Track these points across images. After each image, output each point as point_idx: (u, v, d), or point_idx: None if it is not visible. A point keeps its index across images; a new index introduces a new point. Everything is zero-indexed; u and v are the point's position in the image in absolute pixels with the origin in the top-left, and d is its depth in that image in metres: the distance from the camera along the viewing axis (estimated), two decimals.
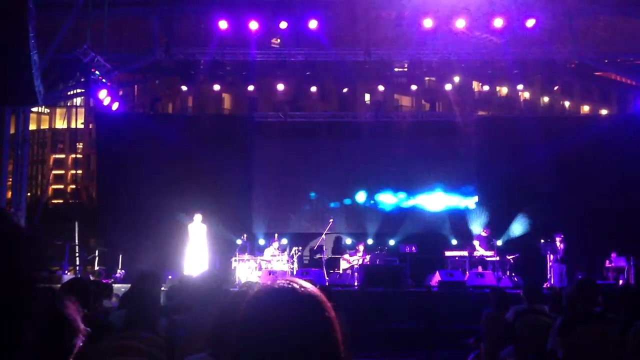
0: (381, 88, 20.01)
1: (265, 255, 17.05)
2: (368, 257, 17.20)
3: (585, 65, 19.29)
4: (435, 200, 20.31)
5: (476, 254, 17.00)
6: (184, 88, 19.55)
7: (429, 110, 24.52)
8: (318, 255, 18.17)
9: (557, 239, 16.67)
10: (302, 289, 1.64)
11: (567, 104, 49.81)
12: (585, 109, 49.10)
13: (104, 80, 17.13)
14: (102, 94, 17.49)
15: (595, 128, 19.72)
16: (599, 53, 18.32)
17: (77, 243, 17.87)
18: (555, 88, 20.01)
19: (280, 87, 19.83)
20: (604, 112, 43.36)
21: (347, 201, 20.38)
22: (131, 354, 3.99)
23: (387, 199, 20.41)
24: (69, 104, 60.41)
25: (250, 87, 20.03)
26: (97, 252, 18.16)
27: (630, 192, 18.67)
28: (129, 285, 9.08)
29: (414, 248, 17.47)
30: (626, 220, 18.13)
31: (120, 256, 17.50)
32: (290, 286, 1.63)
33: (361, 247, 17.52)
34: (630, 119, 20.04)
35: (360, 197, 20.39)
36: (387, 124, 20.59)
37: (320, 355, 1.55)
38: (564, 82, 22.88)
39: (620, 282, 15.82)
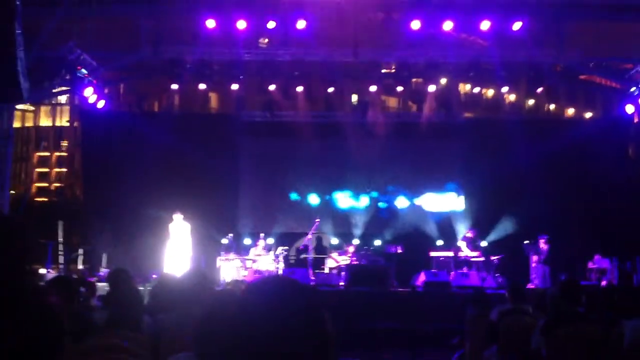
0: (373, 88, 20.01)
1: (250, 254, 17.04)
2: (354, 257, 17.23)
3: (570, 69, 19.43)
4: (421, 201, 20.35)
5: (461, 254, 17.07)
6: (175, 87, 19.45)
7: (416, 112, 24.54)
8: (304, 255, 18.17)
9: (541, 240, 16.77)
10: (295, 281, 1.65)
11: (552, 106, 50.07)
12: (570, 112, 49.36)
13: (89, 78, 17.07)
14: (88, 92, 17.42)
15: (580, 131, 19.86)
16: (584, 56, 18.47)
17: (60, 241, 17.74)
18: (539, 90, 20.08)
19: (268, 86, 19.79)
20: (588, 115, 43.58)
21: (334, 201, 20.38)
22: (115, 353, 3.98)
23: (373, 199, 20.43)
24: (53, 102, 59.97)
25: (235, 86, 19.97)
26: (81, 250, 18.05)
27: (613, 194, 18.83)
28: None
29: (399, 248, 17.52)
30: (609, 221, 18.29)
31: (105, 255, 17.40)
32: (283, 278, 1.64)
33: (351, 249, 17.54)
34: (614, 122, 20.22)
35: (347, 196, 20.39)
36: (374, 124, 20.59)
37: (314, 346, 1.56)
38: (549, 85, 23.00)
39: (603, 283, 15.95)
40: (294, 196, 20.32)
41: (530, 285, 15.93)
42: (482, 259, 16.78)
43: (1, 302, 1.94)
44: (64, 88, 18.74)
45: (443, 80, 19.79)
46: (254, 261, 16.80)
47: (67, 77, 16.86)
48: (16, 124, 40.21)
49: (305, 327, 1.57)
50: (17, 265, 2.01)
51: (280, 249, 17.29)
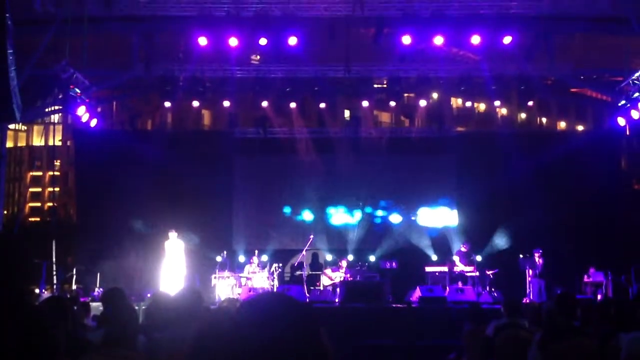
0: (365, 104, 20.08)
1: (245, 272, 16.98)
2: (349, 273, 17.19)
3: (561, 82, 19.55)
4: (415, 216, 20.35)
5: (456, 269, 17.06)
6: (167, 104, 19.44)
7: (408, 126, 24.67)
8: (298, 272, 18.12)
9: (536, 254, 16.79)
10: (289, 297, 1.65)
11: (544, 120, 50.39)
12: (562, 125, 49.66)
13: (82, 96, 17.06)
14: (81, 111, 17.39)
15: (572, 144, 19.92)
16: (574, 70, 18.59)
17: (54, 261, 17.64)
18: (530, 104, 20.17)
19: (260, 103, 19.84)
20: (580, 128, 43.86)
21: (328, 217, 20.36)
22: None
23: (367, 215, 20.42)
24: (46, 121, 59.92)
25: (227, 103, 19.99)
26: (74, 270, 17.96)
27: (607, 207, 18.88)
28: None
29: (394, 264, 17.51)
30: (603, 235, 18.32)
31: (99, 274, 17.31)
32: (277, 295, 1.64)
33: (344, 263, 17.51)
34: (605, 135, 20.29)
35: (340, 212, 20.38)
36: (367, 140, 20.65)
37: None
38: (540, 98, 23.16)
39: (599, 296, 15.94)
40: (287, 212, 20.31)
41: (525, 300, 15.90)
42: (477, 273, 16.77)
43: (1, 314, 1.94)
44: (56, 107, 18.74)
45: (435, 95, 19.84)
46: (248, 278, 16.75)
47: (60, 96, 16.85)
48: (9, 144, 40.14)
49: (301, 344, 1.56)
50: (15, 279, 2.00)
51: (274, 266, 17.24)
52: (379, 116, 42.78)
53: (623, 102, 17.74)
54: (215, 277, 16.70)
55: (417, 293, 15.79)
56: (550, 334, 5.47)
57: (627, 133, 20.79)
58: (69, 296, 12.43)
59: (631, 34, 16.35)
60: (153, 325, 5.62)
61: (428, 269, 17.49)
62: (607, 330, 5.59)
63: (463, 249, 17.53)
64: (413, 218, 20.25)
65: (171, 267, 16.34)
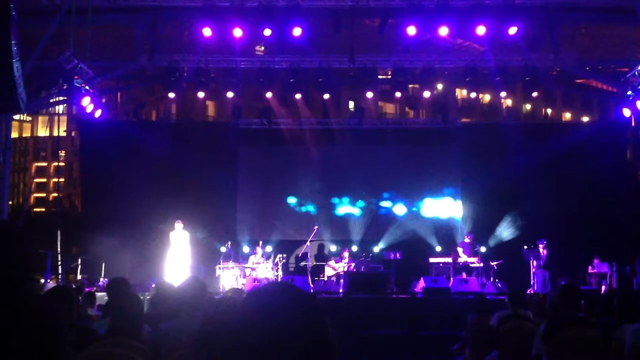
0: (370, 95, 20.03)
1: (249, 262, 17.02)
2: (353, 264, 17.21)
3: (566, 73, 19.48)
4: (420, 207, 20.36)
5: (460, 260, 17.07)
6: (171, 95, 19.39)
7: (413, 117, 24.61)
8: (303, 263, 18.16)
9: (540, 245, 16.79)
10: (295, 287, 1.65)
11: (549, 111, 50.29)
12: (567, 116, 49.56)
13: (87, 87, 17.06)
14: (85, 101, 17.39)
15: (577, 135, 19.88)
16: (580, 61, 18.52)
17: (59, 251, 17.70)
18: (535, 94, 20.07)
19: (265, 94, 19.83)
20: (585, 119, 43.77)
21: (332, 208, 20.38)
22: None
23: (372, 206, 20.43)
24: (51, 112, 59.98)
25: (230, 94, 19.97)
26: (79, 260, 18.02)
27: (611, 198, 18.85)
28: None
29: (398, 255, 17.52)
30: (608, 226, 18.30)
31: (103, 264, 17.37)
32: (283, 284, 1.64)
33: (346, 254, 17.53)
34: (611, 126, 20.24)
35: (345, 203, 20.41)
36: (372, 131, 20.64)
37: (315, 352, 1.55)
38: (546, 89, 23.08)
39: (603, 287, 15.94)
40: (291, 203, 20.34)
41: (530, 291, 15.92)
42: (481, 264, 16.78)
43: (4, 306, 1.94)
44: (61, 98, 18.75)
45: (440, 86, 19.77)
46: (252, 269, 16.79)
47: (64, 87, 16.85)
48: (14, 135, 40.24)
49: (306, 333, 1.56)
50: (18, 269, 2.01)
51: (279, 257, 17.28)
52: (384, 107, 42.72)
53: (629, 93, 17.66)
54: (219, 268, 16.74)
55: (421, 284, 15.81)
56: (554, 324, 5.48)
57: (633, 124, 20.71)
58: (74, 286, 12.49)
59: (636, 24, 16.27)
60: (158, 315, 5.65)
61: (432, 259, 17.50)
62: (611, 321, 5.60)
63: (467, 240, 17.54)
64: (416, 209, 20.27)
65: (176, 258, 16.40)
